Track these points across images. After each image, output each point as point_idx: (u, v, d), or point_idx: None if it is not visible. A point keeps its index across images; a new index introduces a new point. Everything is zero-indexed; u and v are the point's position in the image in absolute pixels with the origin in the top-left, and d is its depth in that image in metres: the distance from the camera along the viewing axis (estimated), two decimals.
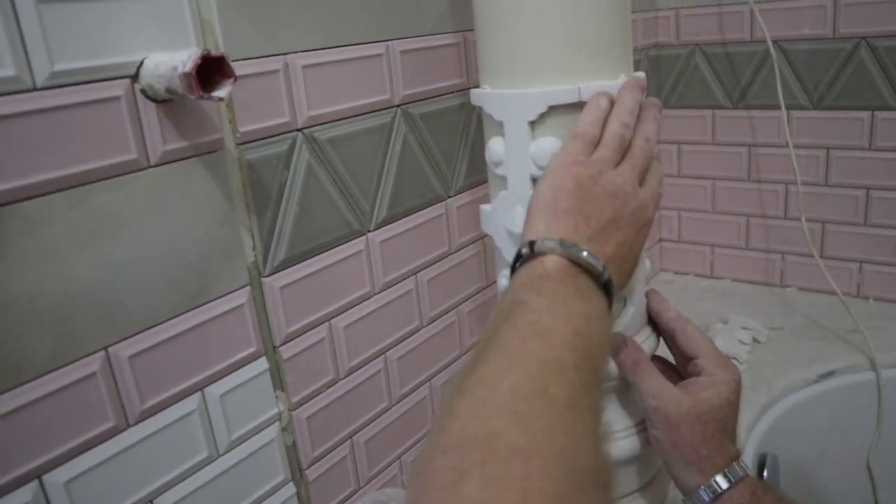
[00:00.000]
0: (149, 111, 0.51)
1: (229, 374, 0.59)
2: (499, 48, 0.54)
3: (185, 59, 0.47)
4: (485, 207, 0.59)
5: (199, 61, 0.47)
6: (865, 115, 1.06)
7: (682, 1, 1.16)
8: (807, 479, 0.96)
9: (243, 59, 0.57)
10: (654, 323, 0.61)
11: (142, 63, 0.50)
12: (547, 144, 0.52)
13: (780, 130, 1.12)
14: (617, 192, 0.48)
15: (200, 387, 0.57)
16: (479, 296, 0.86)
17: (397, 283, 0.74)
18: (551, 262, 0.44)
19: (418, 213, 0.76)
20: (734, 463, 0.53)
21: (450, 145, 0.78)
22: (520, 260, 0.45)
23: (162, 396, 0.54)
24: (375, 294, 0.72)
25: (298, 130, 0.62)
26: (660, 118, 0.53)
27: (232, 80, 0.49)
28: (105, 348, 0.50)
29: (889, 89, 1.03)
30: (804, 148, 1.11)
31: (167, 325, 0.53)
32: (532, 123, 0.52)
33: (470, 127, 0.81)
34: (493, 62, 0.55)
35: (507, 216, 0.55)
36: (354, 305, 0.70)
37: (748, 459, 0.85)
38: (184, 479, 0.56)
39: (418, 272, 0.77)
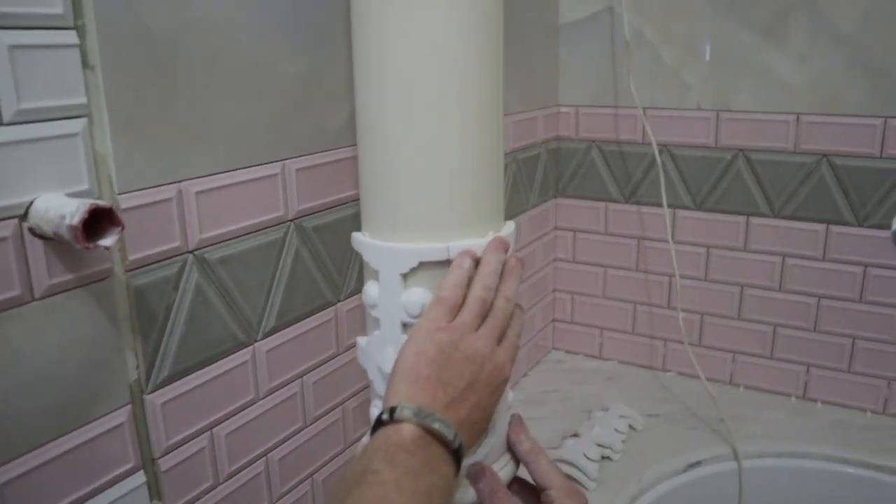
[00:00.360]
0: (35, 248, 0.53)
1: (105, 489, 0.60)
2: (377, 202, 0.58)
3: (73, 209, 0.50)
4: (360, 341, 0.63)
5: (87, 216, 0.49)
6: (741, 219, 1.15)
7: (581, 100, 1.24)
8: None
9: (137, 191, 0.59)
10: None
11: (31, 203, 0.52)
12: (417, 296, 0.56)
13: (665, 226, 1.20)
14: (475, 357, 0.52)
15: None
16: (365, 391, 0.89)
17: (283, 387, 0.77)
18: (407, 430, 0.48)
19: (307, 320, 0.79)
20: None
21: (343, 252, 0.82)
22: (380, 423, 0.49)
23: None
24: (260, 400, 0.74)
25: (189, 252, 0.65)
26: (521, 275, 0.58)
27: (119, 229, 0.52)
28: None
29: (763, 198, 1.13)
30: (687, 244, 1.20)
31: (44, 449, 0.55)
32: (404, 275, 0.56)
33: None
34: (371, 213, 0.59)
35: (379, 355, 0.59)
36: (238, 413, 0.72)
37: None
38: None
39: (304, 375, 0.80)
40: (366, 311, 0.62)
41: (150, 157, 0.60)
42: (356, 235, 0.61)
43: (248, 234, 0.70)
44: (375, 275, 0.58)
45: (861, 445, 1.06)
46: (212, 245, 0.67)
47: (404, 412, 0.48)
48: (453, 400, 0.50)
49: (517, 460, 0.65)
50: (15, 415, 0.53)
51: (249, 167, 0.69)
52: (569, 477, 0.99)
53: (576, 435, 1.08)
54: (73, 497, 0.58)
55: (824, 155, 1.07)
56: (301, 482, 0.82)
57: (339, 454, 0.87)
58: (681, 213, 1.20)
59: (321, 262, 0.79)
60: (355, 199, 0.82)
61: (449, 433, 0.48)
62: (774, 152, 1.10)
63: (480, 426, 0.53)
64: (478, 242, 0.57)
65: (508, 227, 0.61)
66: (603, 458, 1.04)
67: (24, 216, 0.52)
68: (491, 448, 0.61)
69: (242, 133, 0.68)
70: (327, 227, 0.79)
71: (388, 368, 0.58)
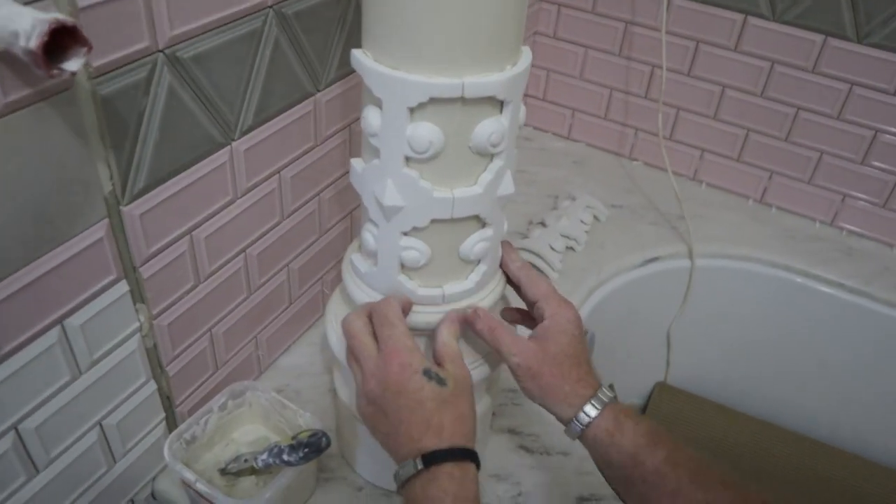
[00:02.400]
0: None
1: (89, 302, 0.59)
2: (384, 22, 0.51)
3: (27, 27, 0.42)
4: (355, 164, 0.60)
5: (47, 38, 0.42)
6: (739, 17, 1.08)
7: None
8: (615, 348, 1.11)
9: None
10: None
11: None
12: (424, 130, 0.52)
13: (658, 14, 1.13)
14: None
15: (60, 321, 0.57)
16: (341, 181, 0.87)
17: (260, 185, 0.74)
18: (445, 472, 0.53)
19: (285, 114, 0.73)
20: (598, 392, 0.60)
21: (324, 39, 0.75)
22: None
23: (20, 339, 0.54)
24: (238, 199, 0.72)
25: (160, 52, 0.57)
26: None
27: (86, 49, 0.44)
28: None
29: None
30: (677, 36, 1.14)
31: (23, 272, 0.53)
32: (411, 109, 0.52)
33: (346, 18, 0.76)
34: (376, 34, 0.52)
35: (377, 185, 0.56)
36: (216, 214, 0.69)
37: None
38: (46, 404, 0.59)
39: (282, 170, 0.76)
40: (363, 135, 0.58)
41: None
42: (356, 53, 0.54)
43: (223, 25, 0.62)
44: (378, 102, 0.53)
45: (805, 255, 1.12)
46: (184, 41, 0.59)
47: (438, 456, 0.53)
48: (464, 433, 0.56)
49: (506, 281, 0.66)
50: None
51: None
52: (533, 266, 1.02)
53: (542, 224, 1.09)
54: (59, 312, 0.57)
55: None
56: (278, 272, 0.82)
57: (314, 242, 0.86)
58: (677, 1, 1.11)
59: (301, 50, 0.72)
60: None
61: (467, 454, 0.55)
62: None
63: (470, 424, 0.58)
64: (493, 79, 0.52)
65: (525, 59, 0.55)
66: (567, 248, 1.08)
67: None
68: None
69: None
70: (309, 12, 0.71)
71: (385, 201, 0.55)
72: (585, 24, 1.20)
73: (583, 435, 0.59)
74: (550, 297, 0.64)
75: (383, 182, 0.56)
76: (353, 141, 0.86)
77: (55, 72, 0.43)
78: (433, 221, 0.57)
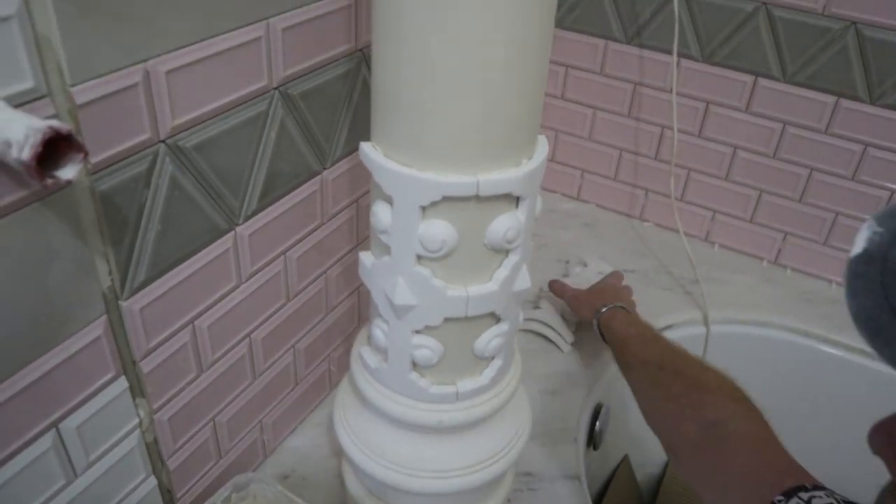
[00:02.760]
0: None
1: (87, 402, 0.57)
2: (395, 119, 0.49)
3: (20, 137, 0.40)
4: (364, 258, 0.57)
5: (40, 149, 0.39)
6: (749, 78, 1.07)
7: None
8: (630, 420, 1.07)
9: (94, 78, 0.48)
10: None
11: None
12: (437, 229, 0.50)
13: (667, 75, 1.11)
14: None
15: (55, 424, 0.54)
16: (348, 257, 0.84)
17: (265, 268, 0.71)
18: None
19: (291, 195, 0.71)
20: (609, 304, 0.88)
21: (330, 117, 0.73)
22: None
23: (12, 448, 0.52)
24: (242, 284, 0.69)
25: (161, 142, 0.55)
26: None
27: (82, 155, 0.42)
28: None
29: (776, 59, 1.04)
30: (686, 97, 1.12)
31: (17, 376, 0.50)
32: (423, 207, 0.49)
33: (353, 94, 0.75)
34: (386, 128, 0.50)
35: (387, 283, 0.54)
36: (219, 302, 0.67)
37: (585, 418, 0.94)
38: None
39: (288, 251, 0.74)
40: (372, 230, 0.55)
41: (108, 32, 0.48)
42: (365, 148, 0.52)
43: (228, 111, 0.60)
44: (388, 198, 0.51)
45: (824, 320, 1.09)
46: (186, 130, 0.57)
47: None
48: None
49: None
50: None
51: (228, 32, 0.58)
52: (545, 338, 1.00)
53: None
54: (57, 414, 0.54)
55: (854, 22, 0.97)
56: (283, 354, 0.79)
57: (321, 321, 0.84)
58: (686, 63, 1.10)
59: (308, 130, 0.70)
60: (346, 55, 0.72)
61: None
62: (801, 11, 0.99)
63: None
64: (510, 176, 0.49)
65: (541, 151, 0.53)
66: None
67: None
68: None
69: None
70: (316, 91, 0.69)
71: (396, 300, 0.53)
72: (594, 85, 1.19)
73: (599, 326, 0.87)
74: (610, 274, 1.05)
75: (394, 280, 0.53)
76: (360, 216, 0.84)
77: (50, 181, 0.41)
78: (446, 320, 0.54)
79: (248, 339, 0.73)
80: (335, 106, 0.73)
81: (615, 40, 1.14)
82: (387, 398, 0.59)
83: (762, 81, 1.06)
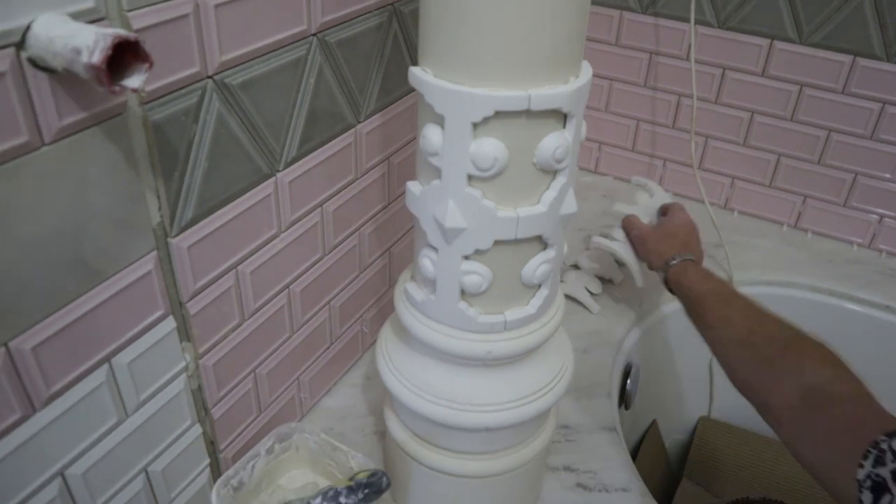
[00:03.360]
0: (40, 83, 0.44)
1: (137, 339, 0.57)
2: (446, 36, 0.50)
3: (90, 43, 0.40)
4: (412, 187, 0.57)
5: (110, 52, 0.40)
6: (765, 42, 1.08)
7: None
8: (658, 382, 1.08)
9: (148, 6, 0.49)
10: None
11: (28, 28, 0.42)
12: (488, 146, 0.50)
13: (683, 43, 1.12)
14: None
15: (108, 359, 0.55)
16: (380, 215, 0.85)
17: (303, 218, 0.72)
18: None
19: (328, 146, 0.72)
20: (681, 255, 0.86)
21: (364, 70, 0.74)
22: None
23: (68, 378, 0.52)
24: (282, 233, 0.70)
25: (209, 77, 0.56)
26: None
27: (147, 66, 0.43)
28: (5, 344, 0.46)
29: (792, 21, 1.05)
30: (703, 64, 1.13)
31: (70, 307, 0.50)
32: (475, 124, 0.50)
33: (385, 49, 0.76)
34: (437, 50, 0.51)
35: (437, 207, 0.54)
36: (261, 248, 0.67)
37: (617, 373, 0.94)
38: (92, 448, 0.56)
39: (324, 203, 0.74)
40: (420, 156, 0.56)
41: None
42: (415, 70, 0.53)
43: (270, 52, 0.61)
44: (439, 119, 0.52)
45: (846, 278, 1.09)
46: (233, 68, 0.58)
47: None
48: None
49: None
50: (39, 273, 0.47)
51: None
52: (575, 300, 1.00)
53: (576, 266, 1.07)
54: (109, 349, 0.54)
55: None
56: (320, 310, 0.80)
57: (355, 279, 0.84)
58: (701, 29, 1.11)
59: (344, 80, 0.71)
60: (379, 8, 0.72)
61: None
62: None
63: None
64: (560, 91, 0.50)
65: (587, 71, 0.54)
66: (603, 280, 1.05)
67: (20, 44, 0.42)
68: None
69: None
70: (351, 41, 0.70)
71: (447, 222, 0.53)
72: (609, 56, 1.20)
73: (667, 279, 0.85)
74: (671, 208, 0.97)
75: (445, 203, 0.54)
76: (391, 174, 0.84)
77: (117, 88, 0.41)
78: (496, 243, 0.55)
79: (287, 291, 0.73)
80: (369, 58, 0.74)
81: (630, 10, 1.15)
82: (434, 331, 0.60)
83: (778, 44, 1.07)
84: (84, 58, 0.40)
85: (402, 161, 0.85)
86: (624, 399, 0.97)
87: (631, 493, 0.77)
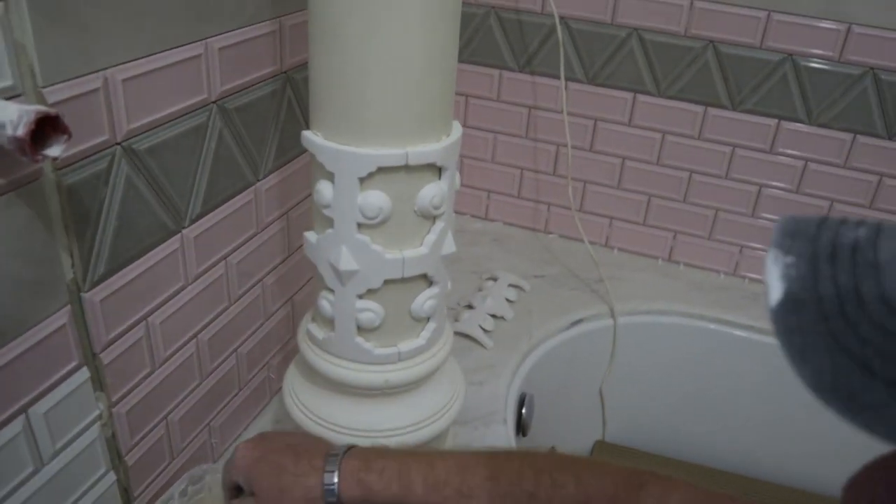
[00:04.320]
0: None
1: (52, 389, 0.60)
2: (334, 106, 0.57)
3: (13, 118, 0.46)
4: (309, 237, 0.64)
5: (34, 126, 0.45)
6: (629, 95, 1.21)
7: None
8: (552, 410, 1.16)
9: (62, 82, 0.54)
10: None
11: None
12: (374, 198, 0.58)
13: (557, 98, 1.24)
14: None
15: (24, 409, 0.58)
16: (281, 266, 0.91)
17: (209, 270, 0.77)
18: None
19: (230, 202, 0.78)
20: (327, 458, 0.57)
21: (262, 132, 0.80)
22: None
23: None
24: (189, 285, 0.74)
25: (118, 144, 0.61)
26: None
27: (66, 137, 0.48)
28: None
29: (651, 77, 1.18)
30: (577, 116, 1.25)
31: None
32: (361, 179, 0.57)
33: (280, 112, 0.82)
34: (326, 117, 0.58)
35: (332, 252, 0.61)
36: (169, 300, 0.72)
37: (512, 401, 1.02)
38: (9, 497, 0.58)
39: (228, 256, 0.80)
40: (315, 208, 0.62)
41: (74, 43, 0.55)
42: (307, 134, 0.60)
43: (174, 119, 0.67)
44: (330, 176, 0.59)
45: (715, 304, 1.22)
46: (140, 135, 0.63)
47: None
48: None
49: None
50: None
51: (175, 48, 0.65)
52: (470, 338, 1.07)
53: (470, 307, 1.15)
54: (25, 400, 0.58)
55: (711, 41, 1.13)
56: (228, 357, 0.84)
57: (260, 327, 0.89)
58: (573, 85, 1.24)
59: (242, 143, 0.77)
60: (274, 76, 0.79)
61: None
62: (667, 34, 1.15)
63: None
64: (433, 148, 0.58)
65: (457, 130, 0.62)
66: (497, 319, 1.13)
67: None
68: None
69: (166, 11, 0.63)
70: (248, 107, 0.77)
71: (341, 266, 0.60)
72: (492, 111, 1.31)
73: None
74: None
75: (338, 249, 0.60)
76: (290, 227, 0.90)
77: (39, 157, 0.47)
78: (386, 282, 0.62)
79: (195, 340, 0.77)
80: (265, 122, 0.80)
81: (509, 69, 1.27)
82: (336, 365, 0.66)
83: (641, 97, 1.21)
84: (9, 131, 0.46)
85: (299, 215, 0.91)
86: (521, 426, 1.04)
87: None
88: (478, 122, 1.33)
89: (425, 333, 0.67)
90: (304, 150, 0.87)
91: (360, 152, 0.56)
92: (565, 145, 1.25)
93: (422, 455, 0.56)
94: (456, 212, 1.44)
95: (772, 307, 0.26)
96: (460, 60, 1.26)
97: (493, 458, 0.54)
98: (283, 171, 0.86)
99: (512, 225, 1.40)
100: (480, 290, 1.19)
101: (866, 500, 0.29)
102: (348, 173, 0.57)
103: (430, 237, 0.62)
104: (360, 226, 0.59)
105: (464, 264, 1.27)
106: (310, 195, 0.91)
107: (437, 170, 0.60)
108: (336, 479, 0.54)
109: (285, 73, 0.82)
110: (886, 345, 0.23)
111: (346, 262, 0.60)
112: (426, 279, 0.64)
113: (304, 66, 0.85)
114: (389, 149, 0.57)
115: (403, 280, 0.62)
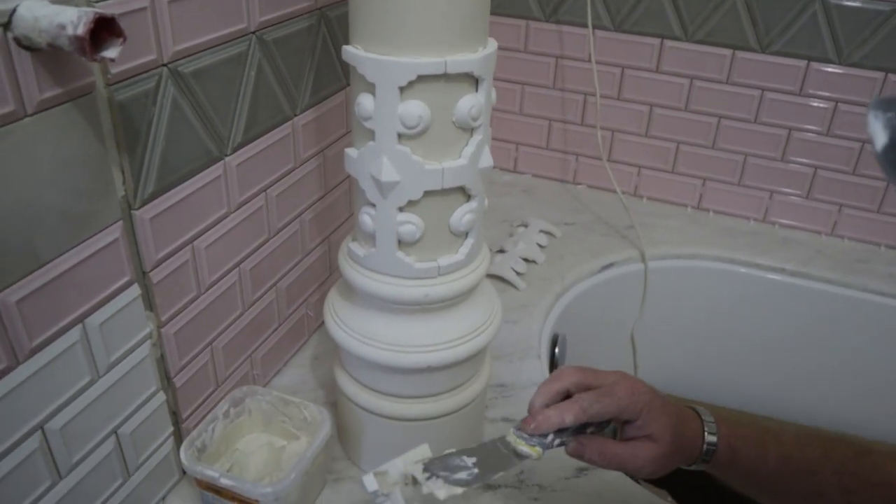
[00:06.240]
0: (24, 61, 0.50)
1: (107, 303, 0.62)
2: (374, 19, 0.58)
3: (74, 19, 0.48)
4: (350, 152, 0.66)
5: (92, 25, 0.47)
6: (656, 41, 1.21)
7: None
8: (585, 352, 1.17)
9: None
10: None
11: (14, 10, 0.49)
12: (414, 107, 0.59)
13: (584, 46, 1.25)
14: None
15: (81, 319, 0.60)
16: (318, 204, 0.92)
17: (250, 201, 0.79)
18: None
19: (269, 135, 0.79)
20: (704, 427, 0.62)
21: (298, 67, 0.82)
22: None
23: (48, 333, 0.57)
24: (232, 213, 0.76)
25: (164, 65, 0.63)
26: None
27: (122, 40, 0.50)
28: None
29: (677, 21, 1.18)
30: (604, 65, 1.25)
31: (49, 266, 0.56)
32: (402, 88, 0.59)
33: (316, 49, 0.84)
34: (366, 29, 0.60)
35: (373, 164, 0.62)
36: (213, 226, 0.74)
37: (545, 339, 1.03)
38: (69, 404, 0.61)
39: (268, 189, 0.82)
40: (356, 123, 0.64)
41: None
42: (348, 49, 0.62)
43: (216, 46, 0.69)
44: (370, 87, 0.60)
45: (745, 248, 1.22)
46: (185, 58, 0.65)
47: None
48: None
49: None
50: (17, 235, 0.53)
51: None
52: (501, 279, 1.08)
53: (502, 250, 1.16)
54: (80, 311, 0.60)
55: None
56: (268, 290, 0.86)
57: (298, 263, 0.91)
58: (600, 33, 1.24)
59: (280, 75, 0.79)
60: (309, 11, 0.81)
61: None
62: None
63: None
64: (470, 58, 0.59)
65: (492, 44, 0.64)
66: (529, 263, 1.15)
67: (6, 25, 0.49)
68: None
69: None
70: (286, 40, 0.78)
71: (382, 177, 0.61)
72: (520, 62, 1.31)
73: (712, 463, 0.62)
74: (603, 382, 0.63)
75: (379, 160, 0.62)
76: (326, 166, 0.92)
77: (98, 57, 0.48)
78: (426, 194, 0.63)
79: (238, 269, 0.80)
80: (302, 57, 0.82)
81: (535, 19, 1.27)
82: (377, 281, 0.67)
83: (668, 43, 1.21)
84: (69, 31, 0.47)
85: (335, 154, 0.93)
86: (554, 365, 1.06)
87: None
88: (505, 74, 1.33)
89: (464, 249, 0.68)
90: (339, 89, 0.91)
91: (400, 61, 0.58)
92: (593, 94, 1.25)
93: (770, 429, 0.64)
94: None
95: (880, 150, 0.33)
96: None
97: (825, 440, 0.63)
98: (319, 108, 0.88)
99: (541, 177, 1.41)
100: (511, 235, 1.21)
101: None
102: (389, 82, 0.59)
103: (469, 149, 0.63)
104: (400, 136, 0.61)
105: (495, 214, 1.29)
106: (345, 135, 0.94)
107: (474, 81, 0.61)
108: (716, 440, 0.62)
109: (320, 9, 0.83)
110: None
111: (388, 172, 0.61)
112: (464, 192, 0.66)
113: (338, 3, 0.86)
114: (428, 57, 0.58)
115: (443, 192, 0.64)
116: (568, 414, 0.59)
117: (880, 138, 0.33)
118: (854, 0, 1.10)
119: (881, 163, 0.33)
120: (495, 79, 1.33)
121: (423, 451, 0.61)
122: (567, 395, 0.62)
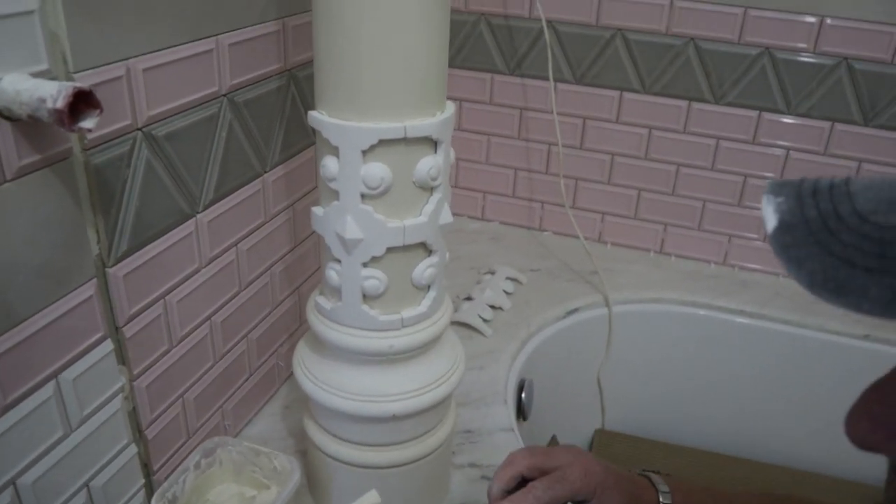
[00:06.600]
0: (4, 131, 0.53)
1: (80, 358, 0.64)
2: (336, 86, 0.62)
3: (53, 92, 0.50)
4: (316, 210, 0.69)
5: (71, 99, 0.50)
6: (615, 93, 1.26)
7: None
8: (552, 396, 1.20)
9: (90, 69, 0.59)
10: None
11: None
12: (376, 169, 0.63)
13: (547, 99, 1.30)
14: None
15: (55, 374, 0.62)
16: (288, 256, 0.95)
17: (221, 255, 0.81)
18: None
19: (240, 191, 0.82)
20: (659, 491, 0.66)
21: (268, 125, 0.85)
22: None
23: (22, 390, 0.59)
24: (203, 268, 0.79)
25: (138, 129, 0.66)
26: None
27: (98, 111, 0.53)
28: None
29: (636, 75, 1.24)
30: (566, 116, 1.30)
31: (24, 325, 0.58)
32: (364, 151, 0.62)
33: (285, 107, 0.88)
34: (330, 95, 0.63)
35: (338, 222, 0.66)
36: (185, 281, 0.76)
37: (512, 384, 1.06)
38: (41, 459, 0.62)
39: (238, 243, 0.84)
40: (322, 183, 0.67)
41: (101, 34, 0.60)
42: (313, 114, 0.65)
43: (188, 109, 0.72)
44: (334, 150, 0.63)
45: (706, 290, 1.26)
46: (158, 122, 0.68)
47: None
48: None
49: None
50: None
51: (189, 42, 0.70)
52: (469, 327, 1.11)
53: (469, 298, 1.19)
54: (56, 365, 0.62)
55: (692, 38, 1.19)
56: (239, 341, 0.88)
57: (269, 314, 0.93)
58: (561, 86, 1.29)
59: (251, 135, 0.82)
60: (279, 73, 0.85)
61: None
62: (649, 33, 1.21)
63: None
64: (429, 122, 0.63)
65: (450, 108, 0.67)
66: (495, 309, 1.18)
67: None
68: None
69: (182, 8, 0.68)
70: (256, 101, 0.82)
71: (347, 234, 0.65)
72: (486, 114, 1.36)
73: None
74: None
75: (344, 219, 0.65)
76: (296, 220, 0.95)
77: (76, 128, 0.51)
78: (388, 250, 0.66)
79: (209, 322, 0.82)
80: (272, 116, 0.85)
81: (500, 73, 1.32)
82: (343, 333, 0.70)
83: (627, 95, 1.26)
84: (49, 104, 0.50)
85: (304, 208, 0.96)
86: (521, 411, 1.08)
87: None
88: (472, 125, 1.38)
89: (426, 301, 0.71)
90: (308, 146, 0.94)
91: (362, 126, 0.61)
92: (556, 144, 1.30)
93: (723, 494, 0.67)
94: (453, 213, 1.49)
95: (770, 233, 0.33)
96: (453, 66, 1.33)
97: (775, 501, 0.66)
98: (289, 165, 0.91)
99: (508, 224, 1.45)
100: (479, 283, 1.24)
101: (865, 419, 0.34)
102: (351, 146, 0.62)
103: (429, 207, 0.67)
104: (363, 196, 0.64)
105: (462, 261, 1.32)
106: (313, 189, 0.97)
107: (433, 143, 0.65)
108: None
109: (289, 70, 0.87)
110: (862, 243, 0.30)
111: (352, 230, 0.65)
112: (425, 248, 0.69)
113: (306, 64, 0.90)
114: (389, 122, 0.62)
115: (405, 248, 0.67)
116: None
117: (770, 222, 0.34)
118: (800, 55, 1.16)
119: (772, 245, 0.33)
120: (462, 129, 1.38)
121: (373, 498, 0.63)
122: (523, 479, 0.65)
